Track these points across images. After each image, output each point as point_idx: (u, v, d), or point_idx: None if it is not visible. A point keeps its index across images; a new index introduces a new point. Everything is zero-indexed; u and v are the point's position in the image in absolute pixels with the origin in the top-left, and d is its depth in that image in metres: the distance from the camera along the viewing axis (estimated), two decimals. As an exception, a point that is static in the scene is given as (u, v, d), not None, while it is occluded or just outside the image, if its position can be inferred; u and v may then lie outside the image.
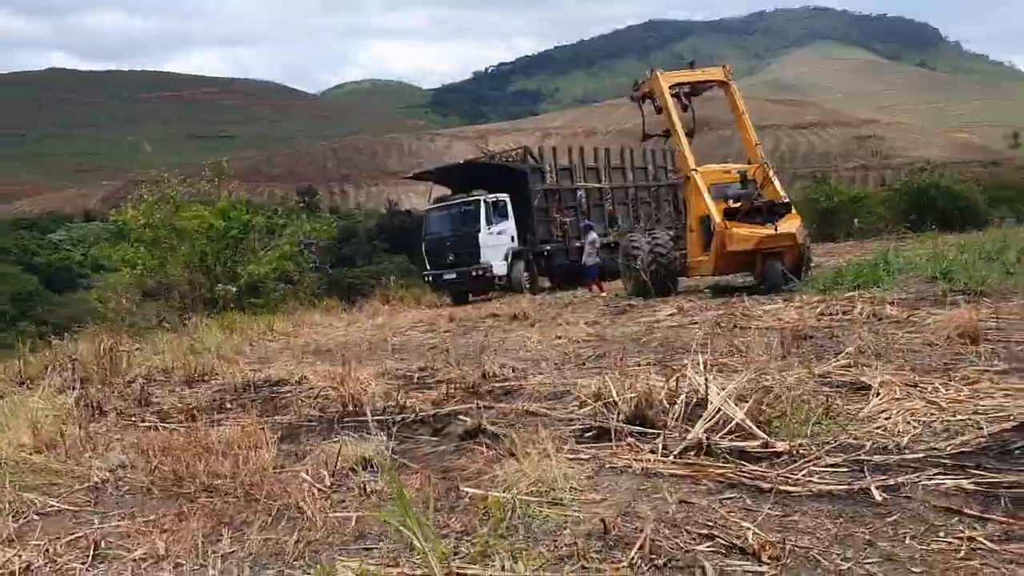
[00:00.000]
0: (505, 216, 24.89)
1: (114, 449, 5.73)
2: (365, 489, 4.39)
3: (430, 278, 25.52)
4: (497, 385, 7.11)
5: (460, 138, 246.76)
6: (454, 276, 24.58)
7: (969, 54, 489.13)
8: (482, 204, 24.36)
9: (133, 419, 7.07)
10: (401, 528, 3.23)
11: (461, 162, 28.21)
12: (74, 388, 8.12)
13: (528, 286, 24.17)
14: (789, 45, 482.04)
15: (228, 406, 7.38)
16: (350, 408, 6.63)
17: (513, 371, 7.67)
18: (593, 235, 22.21)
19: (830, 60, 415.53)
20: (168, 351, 11.26)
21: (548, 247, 25.70)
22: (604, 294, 19.25)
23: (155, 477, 4.93)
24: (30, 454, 5.53)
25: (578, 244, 25.17)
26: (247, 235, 22.82)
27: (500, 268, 24.25)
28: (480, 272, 23.97)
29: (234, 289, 20.70)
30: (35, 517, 4.43)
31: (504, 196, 24.86)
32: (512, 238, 24.88)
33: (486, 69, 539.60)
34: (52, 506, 4.61)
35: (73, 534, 4.09)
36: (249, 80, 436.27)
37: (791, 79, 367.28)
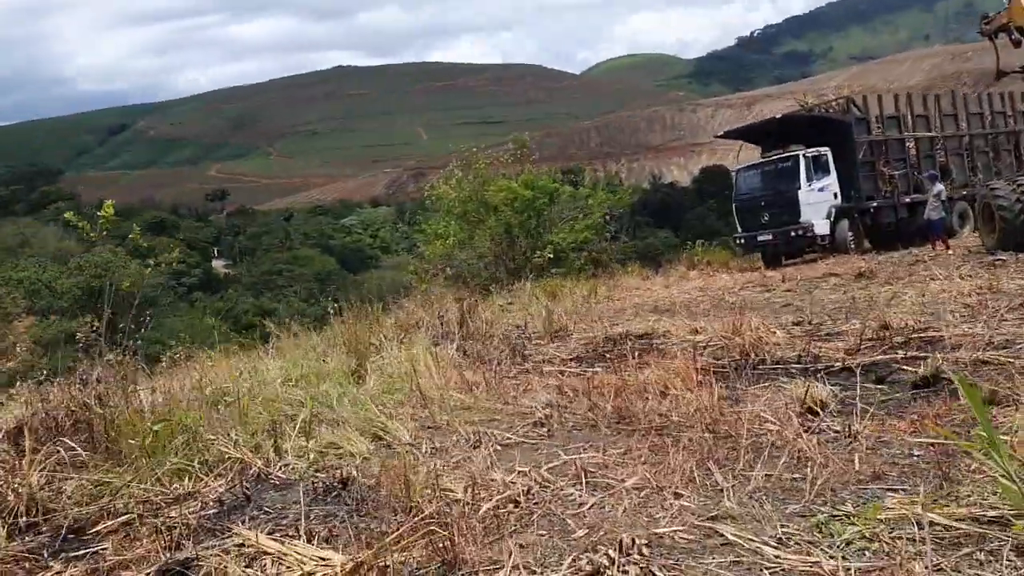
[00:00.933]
0: (826, 171, 23.13)
1: (533, 390, 5.73)
2: (849, 430, 3.99)
3: (742, 240, 24.29)
4: (914, 336, 6.43)
5: (725, 106, 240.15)
6: (770, 237, 23.17)
7: None
8: (801, 159, 22.74)
9: (522, 367, 7.13)
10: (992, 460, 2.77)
11: (776, 116, 26.36)
12: (439, 342, 8.36)
13: (853, 246, 22.42)
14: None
15: (607, 356, 7.25)
16: (753, 357, 6.26)
17: (915, 323, 6.94)
18: (939, 187, 20.13)
19: None
20: (517, 310, 11.46)
21: (874, 204, 23.66)
22: (950, 251, 17.49)
23: (595, 415, 4.83)
24: (454, 394, 5.65)
25: (907, 200, 23.39)
26: (551, 205, 23.12)
27: (822, 227, 22.49)
28: (800, 232, 22.39)
29: (550, 256, 21.10)
30: (498, 447, 4.45)
31: (824, 150, 23.16)
32: (835, 195, 23.03)
33: (751, 33, 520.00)
34: (508, 438, 4.62)
35: (551, 463, 4.03)
36: (511, 64, 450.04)
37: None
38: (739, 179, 25.10)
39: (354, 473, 3.94)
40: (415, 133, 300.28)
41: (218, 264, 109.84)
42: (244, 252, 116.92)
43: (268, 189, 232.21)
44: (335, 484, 3.83)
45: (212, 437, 4.50)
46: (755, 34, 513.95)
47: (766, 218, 23.34)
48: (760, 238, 23.45)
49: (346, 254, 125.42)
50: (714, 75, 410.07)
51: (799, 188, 22.65)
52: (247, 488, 3.84)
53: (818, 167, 23.03)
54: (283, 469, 4.18)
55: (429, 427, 4.95)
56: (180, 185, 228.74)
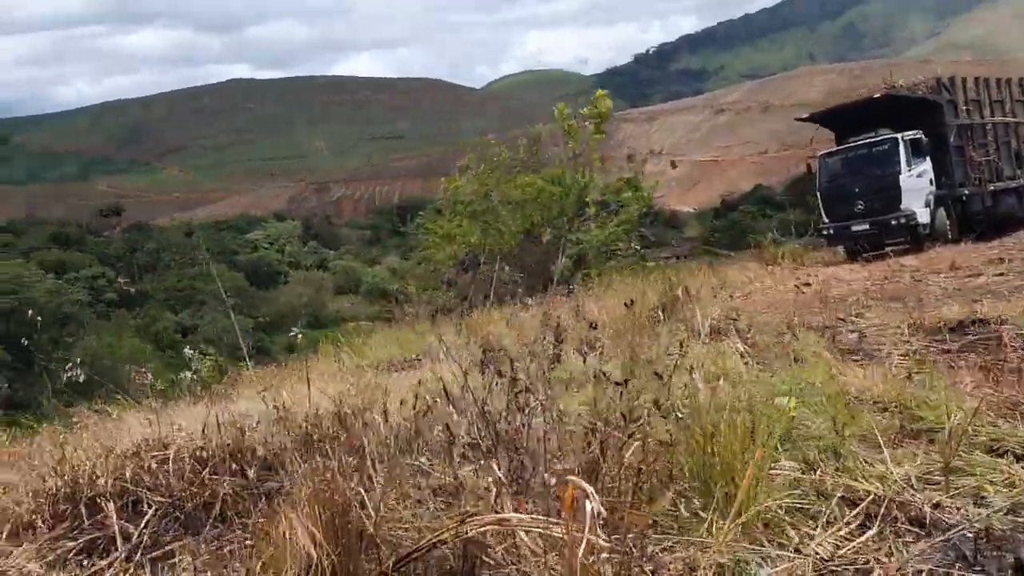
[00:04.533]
0: (922, 156, 21.79)
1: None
2: None
3: (831, 231, 22.68)
4: None
5: (628, 120, 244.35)
6: (866, 227, 21.55)
7: None
8: (900, 142, 21.37)
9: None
10: None
11: (867, 97, 24.42)
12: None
13: (950, 236, 21.24)
14: (974, 2, 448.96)
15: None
16: None
17: None
18: None
19: (1020, 16, 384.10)
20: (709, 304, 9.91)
21: (966, 191, 22.51)
22: None
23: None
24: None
25: (991, 188, 22.64)
26: (582, 202, 21.86)
27: (924, 215, 21.11)
28: (902, 220, 20.91)
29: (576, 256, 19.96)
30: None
31: (919, 133, 21.82)
32: (931, 181, 21.76)
33: (647, 51, 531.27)
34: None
35: None
36: (412, 79, 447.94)
37: (978, 38, 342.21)
38: (825, 165, 23.48)
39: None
40: (315, 147, 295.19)
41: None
42: (144, 268, 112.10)
43: (162, 204, 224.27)
44: None
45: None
46: (650, 51, 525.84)
47: (860, 206, 21.77)
48: (855, 228, 21.78)
49: (254, 269, 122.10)
50: (612, 90, 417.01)
51: (899, 173, 21.22)
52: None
53: (916, 151, 21.71)
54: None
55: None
56: (67, 200, 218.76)
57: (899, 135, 21.43)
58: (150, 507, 4.18)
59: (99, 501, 4.31)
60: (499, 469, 2.83)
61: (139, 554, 3.69)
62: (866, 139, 22.22)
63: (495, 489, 2.74)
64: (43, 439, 7.94)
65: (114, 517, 3.91)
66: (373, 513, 2.69)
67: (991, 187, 22.77)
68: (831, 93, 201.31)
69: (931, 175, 21.75)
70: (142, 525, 3.89)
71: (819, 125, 25.74)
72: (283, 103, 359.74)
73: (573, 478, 2.26)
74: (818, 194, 23.08)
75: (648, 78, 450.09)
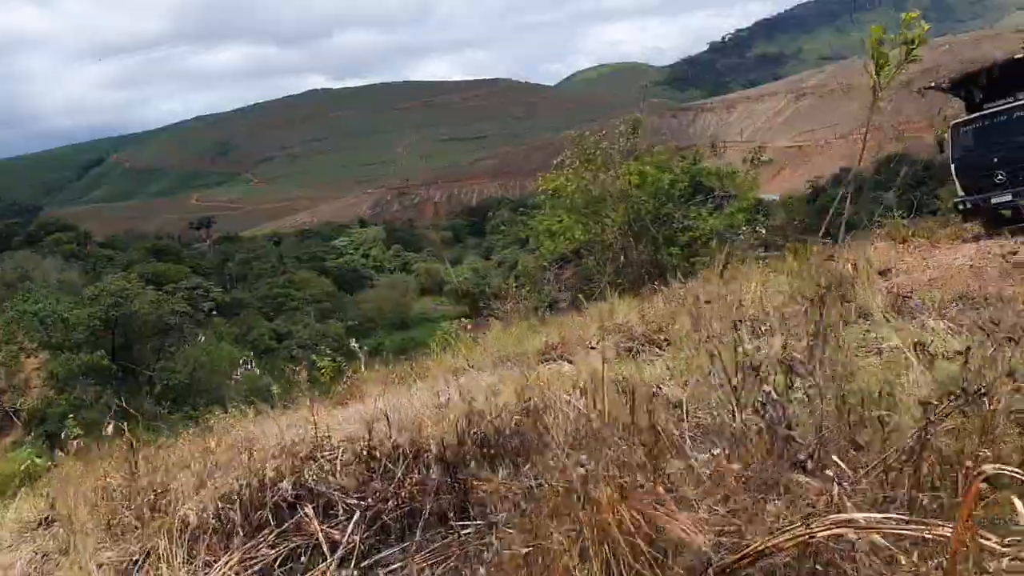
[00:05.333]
0: None
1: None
2: None
3: (967, 204, 20.87)
4: None
5: (705, 110, 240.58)
6: (1008, 198, 19.86)
7: None
8: None
9: None
10: None
11: (1008, 58, 23.34)
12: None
13: None
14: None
15: None
16: None
17: None
18: None
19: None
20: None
21: None
22: None
23: None
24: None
25: None
26: (693, 189, 21.20)
27: None
28: None
29: (681, 248, 19.28)
30: None
31: None
32: None
33: (723, 38, 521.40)
34: None
35: None
36: (486, 80, 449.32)
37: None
38: (960, 135, 21.93)
39: None
40: (395, 152, 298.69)
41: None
42: (236, 278, 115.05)
43: (251, 215, 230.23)
44: None
45: None
46: (726, 39, 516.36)
47: (1001, 177, 20.12)
48: (996, 200, 20.15)
49: (341, 275, 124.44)
50: (688, 81, 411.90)
51: None
52: None
53: None
54: None
55: None
56: (160, 215, 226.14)
57: None
58: (345, 511, 3.88)
59: (288, 505, 4.04)
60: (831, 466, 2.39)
61: (352, 564, 3.37)
62: (1006, 105, 20.78)
63: (834, 487, 2.29)
64: (188, 444, 7.82)
65: (315, 523, 3.60)
66: (681, 516, 2.28)
67: None
68: (921, 71, 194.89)
69: None
70: (349, 531, 3.56)
71: (948, 94, 24.19)
72: (361, 110, 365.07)
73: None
74: (952, 166, 21.58)
75: (725, 66, 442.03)
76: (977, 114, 21.39)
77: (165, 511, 4.54)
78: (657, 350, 7.26)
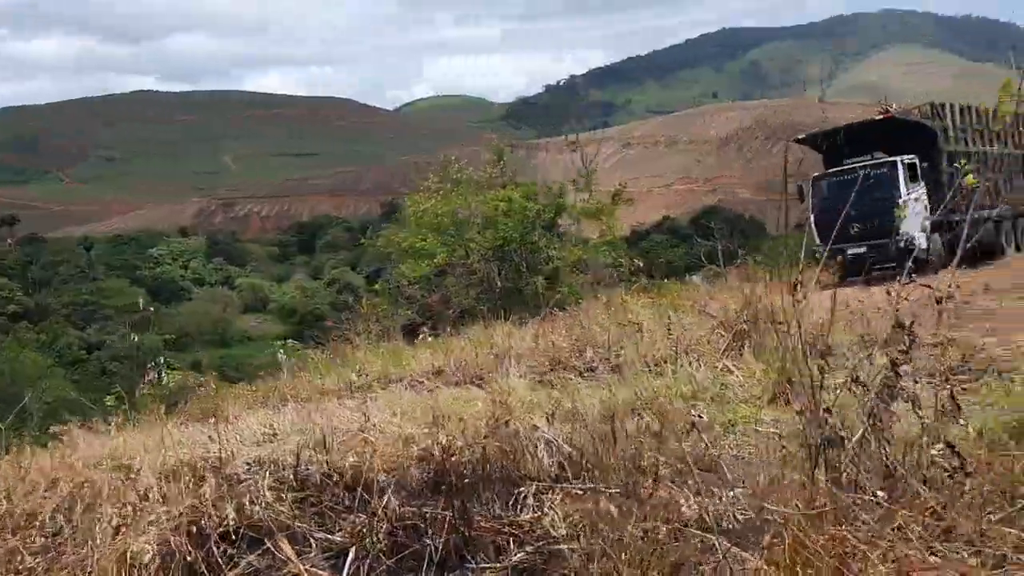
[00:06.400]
0: (918, 181, 21.78)
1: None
2: None
3: (824, 254, 22.22)
4: None
5: (541, 148, 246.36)
6: (863, 250, 20.89)
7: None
8: (899, 166, 21.33)
9: None
10: None
11: (868, 120, 24.01)
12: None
13: (942, 261, 20.51)
14: (870, 49, 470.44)
15: None
16: None
17: None
18: None
19: (914, 63, 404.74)
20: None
21: (955, 218, 21.99)
22: None
23: None
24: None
25: (975, 216, 22.91)
26: (556, 218, 21.16)
27: (921, 240, 20.98)
28: (901, 244, 20.63)
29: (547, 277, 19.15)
30: None
31: (915, 158, 21.75)
32: (925, 207, 21.69)
33: (558, 82, 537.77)
34: None
35: None
36: (325, 98, 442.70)
37: (875, 82, 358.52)
38: (820, 187, 22.98)
39: None
40: (224, 162, 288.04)
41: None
42: (39, 283, 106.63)
43: (60, 216, 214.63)
44: None
45: None
46: (561, 83, 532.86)
47: (857, 229, 20.76)
48: (851, 251, 21.07)
49: (156, 286, 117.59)
50: (524, 119, 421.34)
51: (899, 197, 21.12)
52: None
53: (912, 175, 21.69)
54: None
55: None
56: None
57: (898, 158, 21.46)
58: (324, 549, 3.32)
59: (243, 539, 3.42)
60: None
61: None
62: (865, 161, 22.12)
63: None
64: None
65: (298, 563, 3.03)
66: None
67: (976, 215, 23.17)
68: (736, 130, 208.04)
69: (926, 200, 21.85)
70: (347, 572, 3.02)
71: (809, 147, 25.54)
72: (190, 116, 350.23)
73: None
74: (810, 216, 22.92)
75: (558, 109, 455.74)
76: (836, 168, 22.90)
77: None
78: (579, 377, 6.98)
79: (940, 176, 22.34)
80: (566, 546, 2.88)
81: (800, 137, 25.76)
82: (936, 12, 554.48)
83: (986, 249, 20.87)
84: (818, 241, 22.43)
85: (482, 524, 3.26)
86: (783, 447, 3.33)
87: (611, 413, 4.24)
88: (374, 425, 5.20)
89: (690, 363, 6.27)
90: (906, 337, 3.20)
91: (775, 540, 2.50)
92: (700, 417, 3.59)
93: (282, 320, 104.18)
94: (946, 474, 2.76)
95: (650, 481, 3.08)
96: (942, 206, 21.90)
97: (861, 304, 12.34)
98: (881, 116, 22.99)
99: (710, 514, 2.89)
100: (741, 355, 6.76)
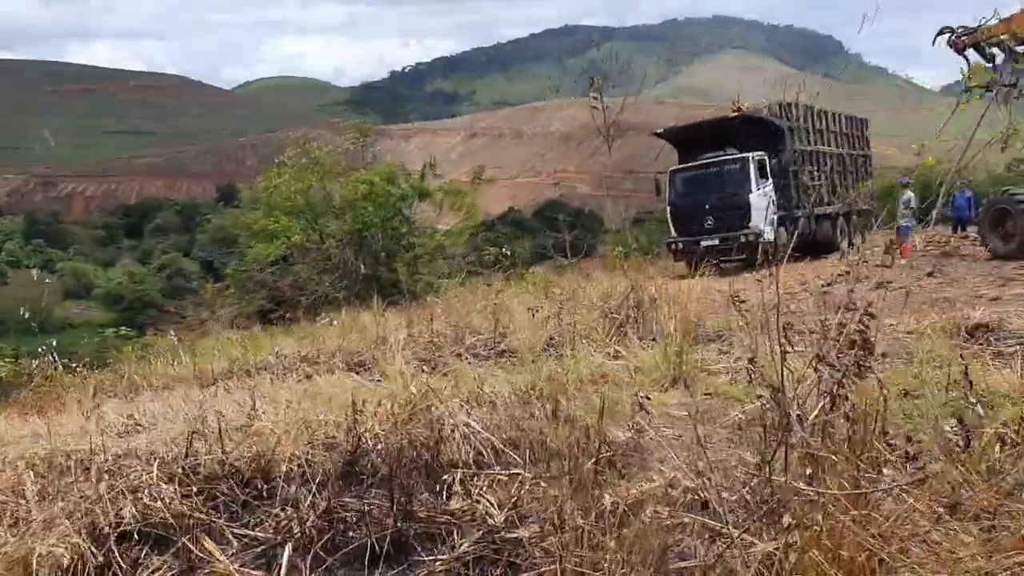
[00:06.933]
0: (767, 177, 22.59)
1: None
2: None
3: (679, 245, 22.83)
4: None
5: (385, 136, 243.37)
6: (715, 242, 21.76)
7: (870, 66, 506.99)
8: (751, 162, 22.02)
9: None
10: None
11: (721, 117, 24.79)
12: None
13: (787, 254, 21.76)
14: (701, 53, 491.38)
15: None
16: None
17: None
18: (909, 194, 20.37)
19: (742, 68, 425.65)
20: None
21: (799, 213, 23.32)
22: (904, 260, 17.33)
23: None
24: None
25: (816, 212, 23.92)
26: (414, 204, 20.69)
27: (769, 233, 21.45)
28: (751, 237, 21.36)
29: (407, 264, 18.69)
30: None
31: (764, 155, 22.57)
32: (772, 202, 22.35)
33: (403, 69, 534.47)
34: None
35: None
36: (159, 73, 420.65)
37: (705, 85, 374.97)
38: (676, 181, 23.76)
39: None
40: (42, 137, 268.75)
41: None
42: None
43: None
44: None
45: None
46: (406, 70, 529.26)
47: (710, 222, 22.26)
48: (704, 243, 22.02)
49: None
50: (368, 105, 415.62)
51: (750, 192, 21.92)
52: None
53: (762, 172, 22.51)
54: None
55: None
56: None
57: (749, 155, 22.32)
58: (246, 545, 3.06)
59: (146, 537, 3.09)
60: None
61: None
62: (717, 157, 22.93)
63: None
64: None
65: (226, 561, 2.76)
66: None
67: (816, 211, 24.38)
68: (576, 126, 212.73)
69: (773, 196, 22.71)
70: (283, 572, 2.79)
71: (667, 141, 26.28)
72: (4, 86, 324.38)
73: None
74: (668, 209, 23.64)
75: (404, 96, 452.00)
76: (691, 163, 23.70)
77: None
78: (463, 363, 6.86)
79: (787, 173, 23.56)
80: (518, 533, 2.78)
81: (658, 131, 26.54)
82: (762, 21, 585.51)
83: (825, 243, 22.22)
84: (674, 233, 23.48)
85: (419, 514, 3.10)
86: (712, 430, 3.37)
87: (526, 398, 4.16)
88: (265, 412, 4.93)
89: (582, 348, 6.30)
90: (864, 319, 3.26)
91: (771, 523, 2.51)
92: (647, 398, 3.55)
93: (108, 307, 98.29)
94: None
95: (590, 463, 3.02)
96: (789, 202, 23.25)
97: (722, 293, 12.84)
98: (735, 113, 23.98)
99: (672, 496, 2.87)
100: (626, 340, 6.85)
